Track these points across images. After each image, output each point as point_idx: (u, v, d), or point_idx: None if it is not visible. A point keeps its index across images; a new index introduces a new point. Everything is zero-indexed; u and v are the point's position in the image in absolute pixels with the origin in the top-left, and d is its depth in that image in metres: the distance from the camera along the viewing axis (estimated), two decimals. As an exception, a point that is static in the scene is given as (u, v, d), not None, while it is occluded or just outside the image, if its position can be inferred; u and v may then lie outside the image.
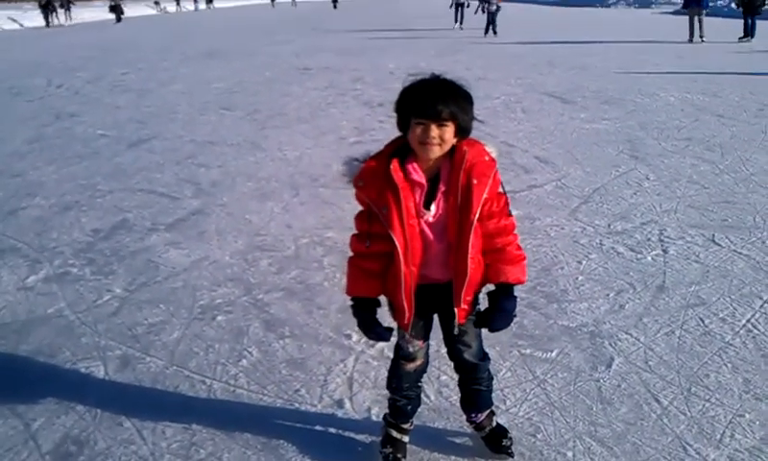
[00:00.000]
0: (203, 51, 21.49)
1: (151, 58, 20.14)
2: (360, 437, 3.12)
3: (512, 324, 2.63)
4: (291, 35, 27.49)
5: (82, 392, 3.51)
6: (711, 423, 3.13)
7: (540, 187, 6.69)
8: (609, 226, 5.59)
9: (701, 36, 20.00)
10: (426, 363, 2.88)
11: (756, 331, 3.90)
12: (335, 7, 48.40)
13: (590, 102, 11.10)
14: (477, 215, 2.42)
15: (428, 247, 2.50)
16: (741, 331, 3.90)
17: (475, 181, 2.40)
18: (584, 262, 4.90)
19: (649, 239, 5.28)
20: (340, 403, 3.35)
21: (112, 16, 42.12)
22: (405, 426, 2.95)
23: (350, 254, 2.59)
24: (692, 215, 5.77)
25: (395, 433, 2.94)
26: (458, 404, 3.05)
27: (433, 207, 2.46)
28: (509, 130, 9.20)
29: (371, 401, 3.35)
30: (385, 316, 2.65)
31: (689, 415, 3.18)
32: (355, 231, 2.57)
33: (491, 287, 2.60)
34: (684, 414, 3.19)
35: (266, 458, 2.98)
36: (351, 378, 3.56)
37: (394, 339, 2.74)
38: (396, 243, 2.42)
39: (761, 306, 4.18)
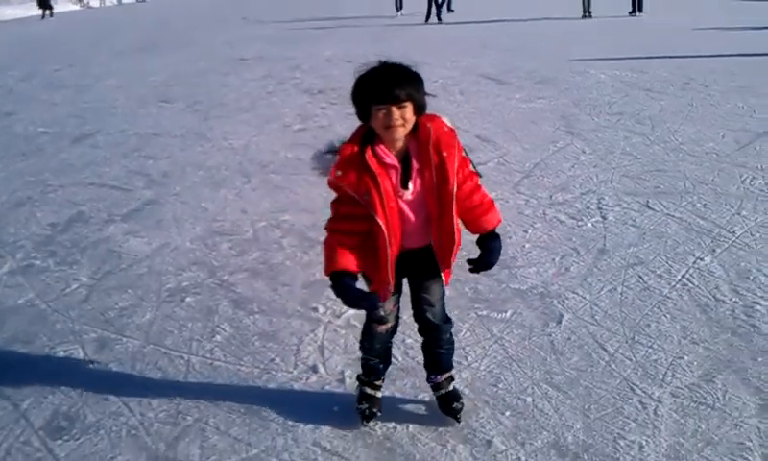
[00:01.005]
0: (134, 45, 21.23)
1: (81, 54, 19.83)
2: (336, 397, 3.35)
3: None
4: (221, 24, 27.31)
5: (64, 373, 3.66)
6: (654, 365, 3.45)
7: (483, 165, 6.98)
8: (550, 197, 5.92)
9: (589, 12, 21.50)
10: (397, 325, 3.05)
11: (690, 285, 4.25)
12: None
13: (525, 82, 11.45)
14: (455, 186, 2.60)
15: (406, 222, 2.66)
16: (677, 285, 4.25)
17: (445, 154, 2.57)
18: (529, 231, 5.21)
19: (588, 207, 5.61)
20: (314, 368, 3.58)
21: (36, 13, 41.04)
22: (378, 383, 3.17)
23: (326, 235, 2.70)
24: (627, 184, 6.14)
25: (369, 390, 3.15)
26: (422, 365, 3.26)
27: (411, 186, 2.61)
28: (449, 112, 9.38)
29: (342, 365, 3.58)
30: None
31: (634, 360, 3.50)
32: (334, 214, 2.69)
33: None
34: (629, 359, 3.51)
35: (250, 420, 3.19)
36: (322, 346, 3.78)
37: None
38: (381, 224, 2.57)
39: (694, 262, 4.54)
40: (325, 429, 3.10)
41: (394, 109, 2.48)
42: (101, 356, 3.81)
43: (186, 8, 37.90)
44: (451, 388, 3.16)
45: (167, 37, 23.13)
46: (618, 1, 22.35)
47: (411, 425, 3.07)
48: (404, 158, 2.61)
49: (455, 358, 3.29)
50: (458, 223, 2.72)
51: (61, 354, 3.86)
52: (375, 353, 3.10)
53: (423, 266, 2.83)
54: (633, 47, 14.61)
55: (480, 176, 2.81)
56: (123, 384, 3.52)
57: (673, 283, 4.27)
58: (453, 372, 3.20)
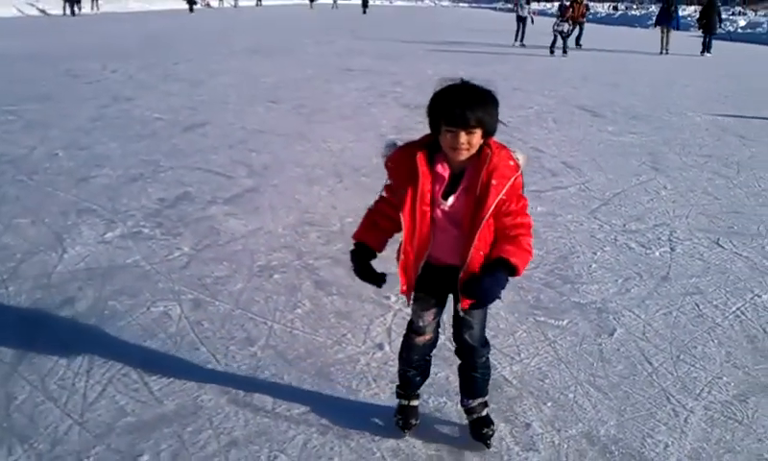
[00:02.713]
0: (247, 47, 22.26)
1: (198, 50, 20.93)
2: (395, 371, 3.71)
3: (498, 299, 2.76)
4: (331, 36, 28.20)
5: (162, 323, 4.17)
6: (693, 381, 3.71)
7: (564, 189, 7.27)
8: (624, 225, 6.17)
9: (666, 50, 24.48)
10: (436, 339, 3.09)
11: (743, 317, 4.46)
12: (364, 12, 48.52)
13: (619, 117, 11.63)
14: (489, 213, 2.60)
15: (440, 233, 2.72)
16: (730, 316, 4.47)
17: (494, 182, 2.58)
18: (598, 253, 5.49)
19: (659, 238, 5.84)
20: (380, 346, 3.98)
21: (134, 8, 42.88)
22: (414, 395, 3.23)
23: (370, 206, 2.92)
24: (702, 221, 6.33)
25: (404, 402, 3.21)
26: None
27: (451, 199, 2.66)
28: (539, 137, 9.77)
29: (406, 347, 3.96)
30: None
31: (675, 375, 3.76)
32: (381, 193, 2.89)
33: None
34: (671, 374, 3.77)
35: (319, 380, 3.61)
36: (390, 329, 4.18)
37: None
38: (403, 224, 2.68)
39: (752, 298, 4.74)
40: (384, 395, 3.49)
41: (462, 133, 2.53)
42: (195, 314, 4.31)
43: (296, 18, 39.04)
44: (484, 413, 3.18)
45: (278, 43, 24.08)
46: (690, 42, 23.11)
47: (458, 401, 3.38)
48: (458, 174, 2.67)
49: (508, 354, 3.64)
50: (485, 253, 2.71)
51: (161, 309, 4.37)
52: (413, 365, 3.13)
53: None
54: (730, 92, 14.53)
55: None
56: (211, 339, 4.00)
57: (727, 314, 4.49)
58: (487, 398, 3.20)
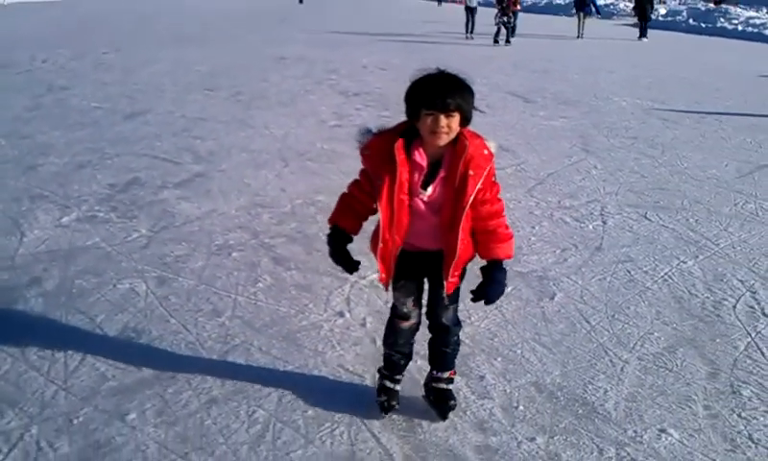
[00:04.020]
0: (176, 35, 22.07)
1: (126, 39, 20.67)
2: (357, 336, 4.01)
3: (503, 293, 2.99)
4: (261, 25, 28.14)
5: (131, 299, 4.36)
6: (627, 337, 4.09)
7: (501, 170, 7.62)
8: (559, 202, 6.56)
9: (582, 34, 26.48)
10: (419, 323, 3.20)
11: (670, 281, 4.88)
12: (301, 1, 47.67)
13: (549, 102, 12.11)
14: (470, 203, 2.71)
15: (418, 221, 2.81)
16: (659, 280, 4.88)
17: (471, 172, 2.69)
18: (536, 227, 5.86)
19: (592, 213, 6.25)
20: (341, 314, 4.25)
21: None
22: (398, 378, 3.32)
23: (345, 191, 3.00)
24: (630, 197, 6.77)
25: (388, 384, 3.30)
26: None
27: (430, 189, 2.75)
28: (475, 122, 10.11)
29: (365, 314, 4.25)
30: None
31: (611, 332, 4.14)
32: (357, 179, 2.96)
33: (482, 262, 2.97)
34: (607, 331, 4.15)
35: (287, 345, 3.87)
36: (349, 299, 4.45)
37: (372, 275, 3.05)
38: (380, 213, 2.75)
39: (678, 265, 5.16)
40: (348, 357, 3.77)
41: (442, 116, 2.61)
42: (161, 290, 4.50)
43: (223, 6, 38.70)
44: (449, 387, 3.31)
45: (207, 32, 23.90)
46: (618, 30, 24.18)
47: (419, 361, 3.64)
48: (435, 163, 2.75)
49: (461, 318, 3.93)
50: (466, 241, 2.84)
51: (127, 286, 4.55)
52: (397, 349, 3.23)
53: (439, 270, 2.94)
54: (656, 78, 15.22)
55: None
56: (180, 311, 4.21)
57: (656, 278, 4.90)
58: (454, 373, 3.34)
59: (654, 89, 13.95)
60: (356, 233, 3.02)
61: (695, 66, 18.71)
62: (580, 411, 3.37)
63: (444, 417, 3.23)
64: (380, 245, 2.84)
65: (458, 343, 3.30)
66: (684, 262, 5.20)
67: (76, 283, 4.55)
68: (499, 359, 3.80)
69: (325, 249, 3.08)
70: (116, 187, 6.62)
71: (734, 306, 4.51)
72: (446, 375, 3.30)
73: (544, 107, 11.68)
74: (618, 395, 3.50)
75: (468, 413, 3.31)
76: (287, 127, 9.57)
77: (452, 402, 3.27)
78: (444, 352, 3.24)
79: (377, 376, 3.38)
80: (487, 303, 2.95)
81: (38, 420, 3.18)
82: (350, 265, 3.01)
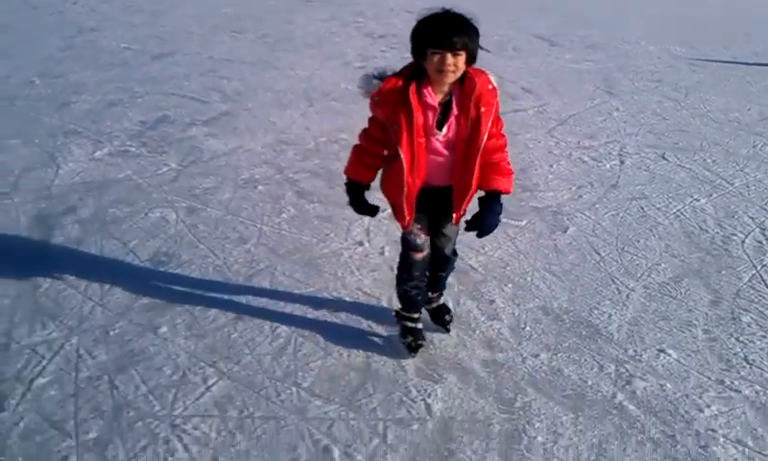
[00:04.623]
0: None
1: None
2: (375, 263, 4.21)
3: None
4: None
5: (161, 227, 4.59)
6: (635, 268, 4.25)
7: (523, 111, 7.74)
8: (578, 142, 6.67)
9: None
10: (430, 254, 3.25)
11: (682, 217, 5.01)
12: None
13: (576, 45, 12.08)
14: (485, 139, 2.79)
15: (434, 161, 2.87)
16: (671, 216, 5.02)
17: (483, 109, 2.75)
18: (554, 166, 5.99)
19: (610, 153, 6.36)
20: (360, 243, 4.45)
21: None
22: (417, 316, 3.40)
23: (357, 143, 3.05)
24: (650, 138, 6.86)
25: (410, 324, 3.39)
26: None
27: (444, 129, 2.81)
28: (500, 64, 10.18)
29: (383, 243, 4.44)
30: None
31: (620, 262, 4.30)
32: (366, 129, 2.98)
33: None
34: (616, 262, 4.31)
35: (308, 269, 4.09)
36: (368, 230, 4.64)
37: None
38: (403, 158, 2.78)
39: (691, 202, 5.28)
40: (366, 281, 3.99)
41: (449, 55, 2.64)
42: (190, 219, 4.72)
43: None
44: (442, 301, 3.58)
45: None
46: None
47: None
48: (446, 102, 2.80)
49: (474, 248, 4.13)
50: (477, 174, 2.91)
51: (158, 215, 4.78)
52: (413, 283, 3.28)
53: (445, 204, 3.03)
54: (685, 23, 15.06)
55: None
56: (208, 238, 4.44)
57: (668, 214, 5.03)
58: (445, 290, 3.58)
59: (683, 34, 13.81)
60: (372, 181, 3.09)
61: (726, 11, 18.42)
62: (584, 332, 3.56)
63: (446, 329, 3.53)
64: (405, 189, 2.88)
65: (453, 269, 3.51)
66: (698, 200, 5.32)
67: (109, 212, 4.79)
68: (510, 286, 3.99)
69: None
70: (146, 124, 6.83)
71: (743, 241, 4.64)
72: (437, 294, 3.55)
73: (570, 50, 11.66)
74: (622, 319, 3.68)
75: (477, 332, 3.51)
76: (312, 68, 9.69)
77: (448, 316, 3.56)
78: (439, 277, 3.44)
79: (397, 319, 3.47)
80: (480, 235, 3.01)
81: (78, 331, 3.44)
82: (371, 211, 3.13)
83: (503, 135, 2.97)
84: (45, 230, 4.52)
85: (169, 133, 6.55)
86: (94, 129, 6.62)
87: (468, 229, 3.00)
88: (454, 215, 3.05)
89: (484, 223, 2.96)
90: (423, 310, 3.51)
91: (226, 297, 3.77)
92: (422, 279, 3.31)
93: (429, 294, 3.49)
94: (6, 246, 4.33)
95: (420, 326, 3.41)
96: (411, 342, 3.35)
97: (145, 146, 6.18)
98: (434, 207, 3.09)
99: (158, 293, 3.79)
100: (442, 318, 3.56)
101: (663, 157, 6.28)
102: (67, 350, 3.31)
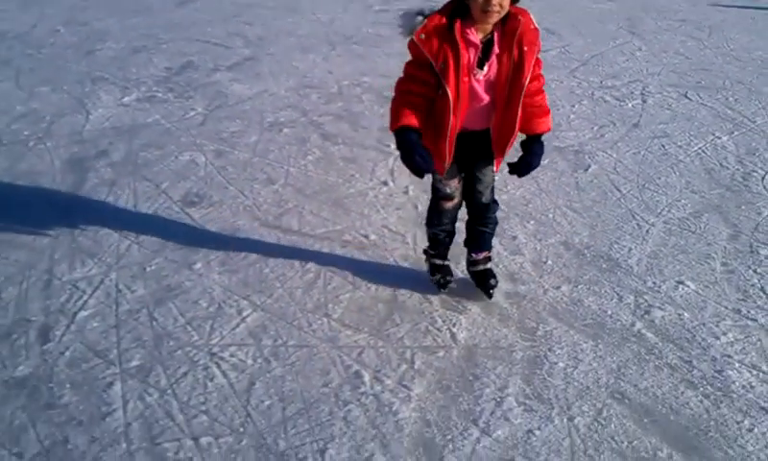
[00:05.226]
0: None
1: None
2: (400, 201, 4.32)
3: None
4: None
5: (191, 169, 4.73)
6: (656, 204, 4.32)
7: (545, 52, 7.67)
8: (600, 82, 6.69)
9: None
10: (461, 202, 3.23)
11: (703, 154, 5.06)
12: None
13: (599, -15, 11.95)
14: (528, 80, 2.73)
15: (474, 101, 2.79)
16: (692, 154, 5.06)
17: (526, 49, 2.69)
18: (576, 106, 6.03)
19: (632, 93, 6.38)
20: (385, 183, 4.56)
21: None
22: (445, 254, 3.43)
23: (395, 93, 2.82)
24: (672, 78, 6.85)
25: (438, 261, 3.41)
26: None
27: (486, 67, 2.73)
28: (522, 5, 10.12)
29: (408, 183, 4.53)
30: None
31: (640, 199, 4.38)
32: (407, 71, 2.81)
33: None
34: (636, 198, 4.39)
35: (335, 208, 4.21)
36: (392, 170, 4.74)
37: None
38: (449, 95, 2.68)
39: (712, 140, 5.32)
40: (392, 219, 4.10)
41: None
42: (219, 161, 4.85)
43: None
44: (489, 266, 3.41)
45: None
46: None
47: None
48: (487, 41, 2.71)
49: (497, 186, 4.16)
50: (521, 116, 2.84)
51: (187, 158, 4.91)
52: (443, 228, 3.30)
53: (481, 149, 2.98)
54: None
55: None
56: (237, 179, 4.57)
57: (689, 152, 5.08)
58: (491, 253, 3.43)
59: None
60: (422, 127, 2.81)
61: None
62: (604, 265, 3.66)
63: (488, 296, 3.33)
64: (448, 130, 2.77)
65: (496, 222, 3.34)
66: (719, 138, 5.35)
67: (140, 155, 4.92)
68: (532, 222, 4.08)
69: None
70: (172, 70, 6.93)
71: (763, 178, 4.69)
72: (482, 255, 3.37)
73: (593, -10, 11.53)
74: (641, 252, 3.77)
75: (499, 266, 3.62)
76: (333, 12, 9.71)
77: (493, 281, 3.35)
78: (482, 233, 3.30)
79: (425, 257, 3.48)
80: (521, 176, 3.01)
81: (116, 268, 3.59)
82: (425, 159, 2.77)
83: (542, 76, 2.95)
84: (79, 173, 4.67)
85: (194, 79, 6.65)
86: (121, 75, 6.73)
87: (511, 172, 3.00)
88: (495, 161, 3.04)
89: (530, 165, 2.96)
90: (466, 272, 3.47)
91: (256, 235, 3.90)
92: (451, 224, 3.32)
93: (473, 255, 3.38)
94: (42, 188, 4.48)
95: (447, 262, 3.44)
96: (440, 279, 3.38)
97: (171, 91, 6.28)
98: (470, 153, 3.01)
99: (191, 232, 3.93)
100: (486, 282, 3.35)
101: (686, 96, 6.29)
102: (107, 285, 3.46)
